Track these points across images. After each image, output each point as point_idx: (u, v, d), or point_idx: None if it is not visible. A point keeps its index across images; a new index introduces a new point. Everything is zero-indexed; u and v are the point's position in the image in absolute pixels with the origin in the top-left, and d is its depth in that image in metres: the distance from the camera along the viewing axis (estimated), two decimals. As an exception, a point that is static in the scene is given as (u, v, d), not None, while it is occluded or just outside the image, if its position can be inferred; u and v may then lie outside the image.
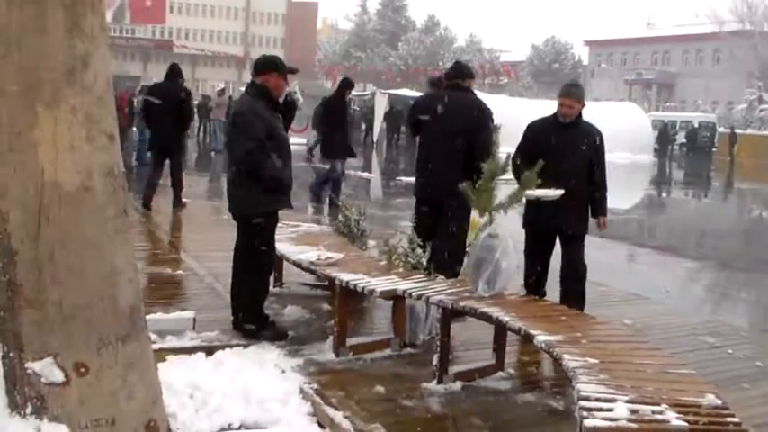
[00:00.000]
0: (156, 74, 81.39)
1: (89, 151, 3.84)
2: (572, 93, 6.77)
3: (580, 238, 6.80)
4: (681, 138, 46.48)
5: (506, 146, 5.95)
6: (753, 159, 42.68)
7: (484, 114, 6.93)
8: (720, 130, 47.99)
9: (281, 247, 6.96)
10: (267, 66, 6.23)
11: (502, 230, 5.50)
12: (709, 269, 11.75)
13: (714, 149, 45.87)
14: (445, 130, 7.01)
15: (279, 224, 6.51)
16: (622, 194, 23.09)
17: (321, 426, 4.76)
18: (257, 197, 6.06)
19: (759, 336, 7.57)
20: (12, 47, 3.68)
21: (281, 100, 6.27)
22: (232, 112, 6.14)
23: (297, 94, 6.45)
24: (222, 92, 31.28)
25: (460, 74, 7.13)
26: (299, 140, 27.61)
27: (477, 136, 6.74)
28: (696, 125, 47.32)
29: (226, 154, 6.50)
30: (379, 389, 5.26)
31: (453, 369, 5.49)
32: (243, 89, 6.76)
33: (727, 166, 40.17)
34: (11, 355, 3.86)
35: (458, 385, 5.38)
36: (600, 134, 6.83)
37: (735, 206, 24.25)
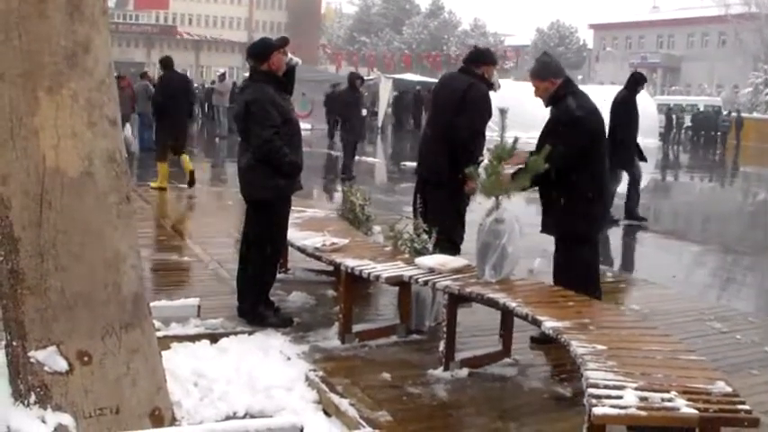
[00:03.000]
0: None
1: (91, 137, 3.80)
2: (531, 72, 6.17)
3: (565, 242, 6.06)
4: (686, 121, 46.15)
5: (512, 130, 5.81)
6: (758, 143, 42.45)
7: (470, 96, 6.69)
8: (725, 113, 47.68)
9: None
10: (268, 49, 6.18)
11: (508, 215, 5.45)
12: (716, 253, 11.66)
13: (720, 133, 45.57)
14: (434, 110, 7.19)
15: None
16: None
17: (327, 413, 4.73)
18: (275, 182, 6.06)
19: (767, 321, 7.51)
20: (12, 32, 3.63)
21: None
22: (245, 100, 6.07)
23: (294, 60, 6.39)
24: (223, 76, 31.04)
25: (474, 58, 6.98)
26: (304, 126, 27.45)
27: (458, 117, 6.66)
28: (702, 109, 47.01)
29: (239, 139, 6.43)
30: (385, 376, 5.23)
31: (460, 356, 5.44)
32: (247, 75, 6.71)
33: (732, 150, 39.98)
34: (14, 343, 3.84)
35: (464, 372, 5.35)
36: (566, 118, 5.86)
37: (740, 190, 24.12)
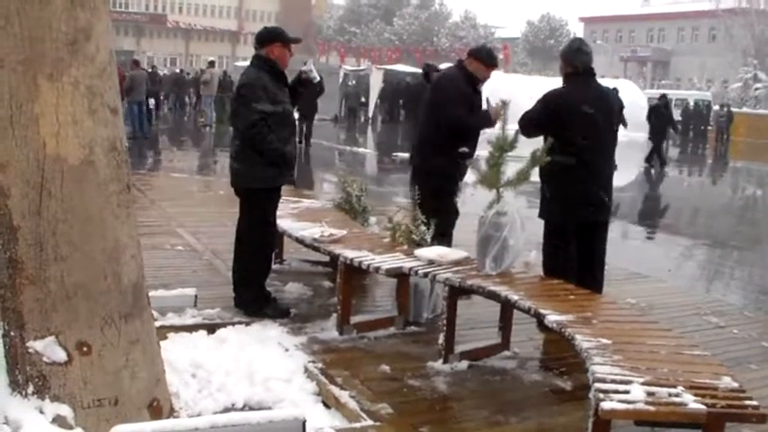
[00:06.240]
0: (150, 48, 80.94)
1: (91, 125, 3.74)
2: None
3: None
4: (676, 115, 46.08)
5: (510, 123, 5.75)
6: (747, 138, 42.54)
7: (440, 89, 6.80)
8: (715, 108, 47.70)
9: (283, 223, 6.87)
10: (270, 36, 6.14)
11: (510, 208, 5.42)
12: (709, 247, 11.68)
13: (710, 128, 45.62)
14: (425, 103, 7.16)
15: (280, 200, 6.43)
16: (618, 172, 22.97)
17: (326, 405, 4.68)
18: (262, 172, 5.99)
19: (764, 316, 7.51)
20: (12, 17, 3.57)
21: (290, 78, 6.23)
22: (237, 84, 6.05)
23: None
24: (212, 64, 30.86)
25: (470, 53, 6.99)
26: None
27: (437, 111, 6.70)
28: (692, 103, 47.01)
29: (228, 127, 6.40)
30: (385, 368, 5.20)
31: (459, 348, 5.41)
32: (237, 64, 6.69)
33: (723, 145, 40.04)
34: (12, 333, 3.78)
35: (464, 364, 5.32)
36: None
37: (730, 185, 24.19)
